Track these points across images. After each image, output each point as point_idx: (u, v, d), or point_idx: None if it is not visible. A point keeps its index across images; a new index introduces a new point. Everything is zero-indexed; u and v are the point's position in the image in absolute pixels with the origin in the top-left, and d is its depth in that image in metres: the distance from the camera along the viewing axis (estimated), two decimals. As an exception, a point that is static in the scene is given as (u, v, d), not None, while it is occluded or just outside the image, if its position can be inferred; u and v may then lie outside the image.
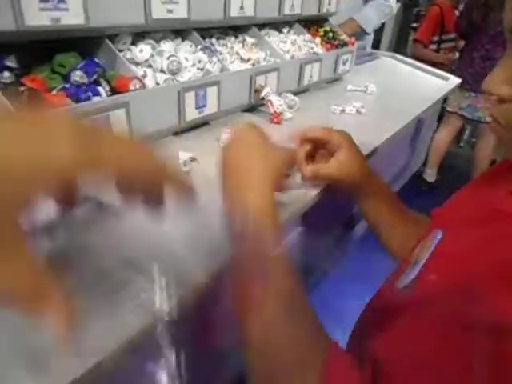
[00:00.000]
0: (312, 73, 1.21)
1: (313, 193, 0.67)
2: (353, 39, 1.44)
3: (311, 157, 0.67)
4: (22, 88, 0.57)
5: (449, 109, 2.97)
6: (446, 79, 1.57)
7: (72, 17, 0.65)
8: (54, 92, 0.66)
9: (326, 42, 1.36)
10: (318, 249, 1.09)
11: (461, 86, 2.47)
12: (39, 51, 0.72)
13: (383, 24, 3.71)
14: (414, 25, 3.81)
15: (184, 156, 0.70)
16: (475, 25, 2.62)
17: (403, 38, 4.03)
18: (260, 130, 0.52)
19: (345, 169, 0.62)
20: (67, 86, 0.67)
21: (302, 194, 0.66)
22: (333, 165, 0.62)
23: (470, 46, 2.77)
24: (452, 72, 1.82)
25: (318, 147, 0.66)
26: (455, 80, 1.57)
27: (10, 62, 0.66)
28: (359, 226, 1.24)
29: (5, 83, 0.62)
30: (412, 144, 1.64)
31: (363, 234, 1.27)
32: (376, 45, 3.39)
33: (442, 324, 0.33)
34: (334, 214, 1.15)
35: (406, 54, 2.12)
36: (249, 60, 1.05)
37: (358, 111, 1.11)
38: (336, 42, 1.38)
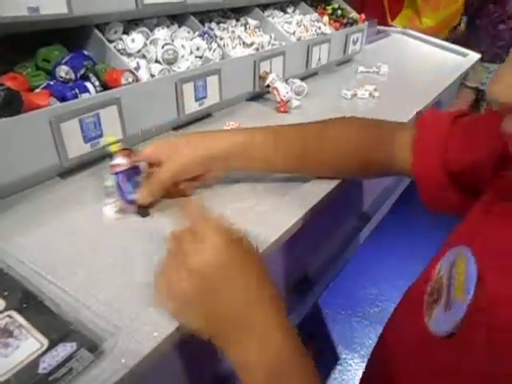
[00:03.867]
0: (320, 55, 1.13)
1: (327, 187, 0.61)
2: (363, 16, 1.34)
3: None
4: (-1, 88, 0.51)
5: (468, 84, 2.82)
6: (465, 55, 1.47)
7: (53, 5, 0.59)
8: (38, 91, 0.60)
9: (335, 21, 1.27)
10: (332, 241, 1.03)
11: (484, 60, 2.33)
12: (23, 45, 0.66)
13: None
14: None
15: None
16: None
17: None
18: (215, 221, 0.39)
19: (178, 162, 0.52)
20: (52, 83, 0.61)
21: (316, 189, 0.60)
22: (164, 169, 0.52)
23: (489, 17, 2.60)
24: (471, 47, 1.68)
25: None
26: (474, 56, 1.47)
27: (-12, 59, 0.60)
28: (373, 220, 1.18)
29: (-18, 83, 0.56)
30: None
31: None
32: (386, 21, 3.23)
33: None
34: (348, 207, 1.09)
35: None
36: (252, 44, 0.97)
37: (371, 95, 1.03)
38: (345, 20, 1.29)
